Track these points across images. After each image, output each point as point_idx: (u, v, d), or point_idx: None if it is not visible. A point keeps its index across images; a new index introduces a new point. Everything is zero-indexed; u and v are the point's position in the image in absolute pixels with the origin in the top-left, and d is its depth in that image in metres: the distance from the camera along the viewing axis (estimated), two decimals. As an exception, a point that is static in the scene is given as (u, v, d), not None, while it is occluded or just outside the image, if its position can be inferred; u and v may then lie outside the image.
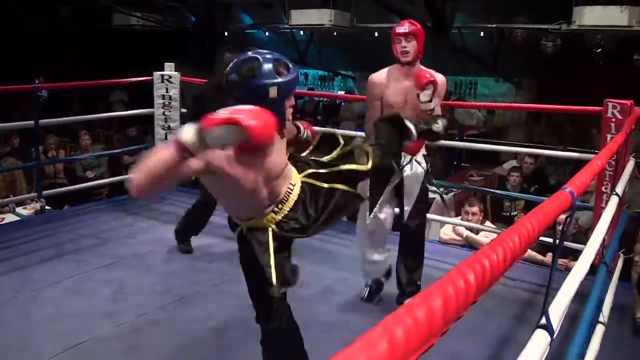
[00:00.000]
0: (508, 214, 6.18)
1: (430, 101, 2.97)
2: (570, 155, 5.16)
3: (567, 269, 3.55)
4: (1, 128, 7.81)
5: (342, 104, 12.00)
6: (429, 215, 5.34)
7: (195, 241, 4.42)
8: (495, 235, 4.56)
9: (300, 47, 12.17)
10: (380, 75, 3.25)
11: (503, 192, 5.64)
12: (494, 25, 9.25)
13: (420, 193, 3.28)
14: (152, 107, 5.70)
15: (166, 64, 5.65)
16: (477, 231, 4.65)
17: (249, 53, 1.94)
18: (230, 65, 1.92)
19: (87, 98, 11.54)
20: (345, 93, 13.47)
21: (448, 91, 12.04)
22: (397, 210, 3.40)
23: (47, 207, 5.50)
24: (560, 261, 4.08)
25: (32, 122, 5.10)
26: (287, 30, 11.21)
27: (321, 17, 8.81)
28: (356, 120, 11.48)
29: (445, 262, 4.18)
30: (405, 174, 3.22)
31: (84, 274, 3.88)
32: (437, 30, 7.80)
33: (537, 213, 1.27)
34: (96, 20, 11.58)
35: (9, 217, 5.71)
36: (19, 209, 5.95)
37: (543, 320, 1.32)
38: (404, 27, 3.11)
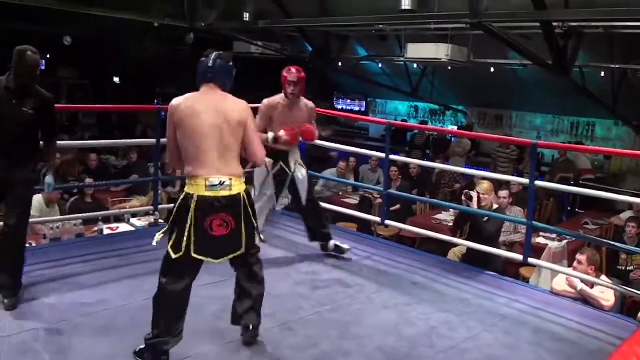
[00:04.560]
0: (624, 269, 5.83)
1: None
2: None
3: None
4: (127, 144, 8.41)
5: (453, 139, 11.68)
6: (541, 262, 5.12)
7: (302, 267, 4.59)
8: (611, 291, 4.27)
9: (413, 79, 12.13)
10: (274, 100, 4.56)
11: (620, 245, 5.30)
12: (617, 66, 8.82)
13: (308, 186, 4.77)
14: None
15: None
16: (591, 285, 4.35)
17: (210, 51, 3.31)
18: (210, 56, 3.24)
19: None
20: (457, 128, 13.24)
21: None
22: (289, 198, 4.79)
23: (160, 221, 5.72)
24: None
25: (154, 139, 5.41)
26: (400, 63, 11.19)
27: (438, 51, 8.69)
28: (466, 156, 11.23)
29: (561, 316, 3.98)
30: (295, 175, 4.66)
31: (192, 289, 3.96)
32: (557, 69, 7.49)
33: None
34: (217, 48, 12.06)
35: (123, 227, 6.00)
36: (133, 220, 6.23)
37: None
38: (293, 77, 4.47)
